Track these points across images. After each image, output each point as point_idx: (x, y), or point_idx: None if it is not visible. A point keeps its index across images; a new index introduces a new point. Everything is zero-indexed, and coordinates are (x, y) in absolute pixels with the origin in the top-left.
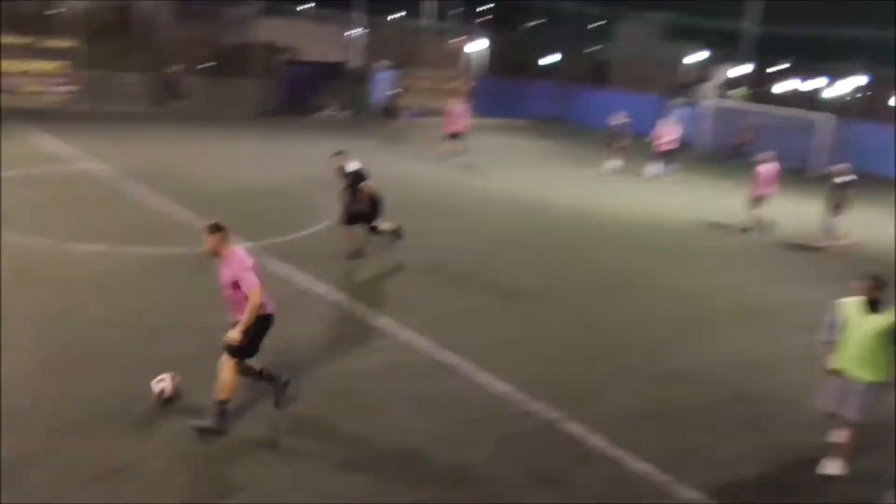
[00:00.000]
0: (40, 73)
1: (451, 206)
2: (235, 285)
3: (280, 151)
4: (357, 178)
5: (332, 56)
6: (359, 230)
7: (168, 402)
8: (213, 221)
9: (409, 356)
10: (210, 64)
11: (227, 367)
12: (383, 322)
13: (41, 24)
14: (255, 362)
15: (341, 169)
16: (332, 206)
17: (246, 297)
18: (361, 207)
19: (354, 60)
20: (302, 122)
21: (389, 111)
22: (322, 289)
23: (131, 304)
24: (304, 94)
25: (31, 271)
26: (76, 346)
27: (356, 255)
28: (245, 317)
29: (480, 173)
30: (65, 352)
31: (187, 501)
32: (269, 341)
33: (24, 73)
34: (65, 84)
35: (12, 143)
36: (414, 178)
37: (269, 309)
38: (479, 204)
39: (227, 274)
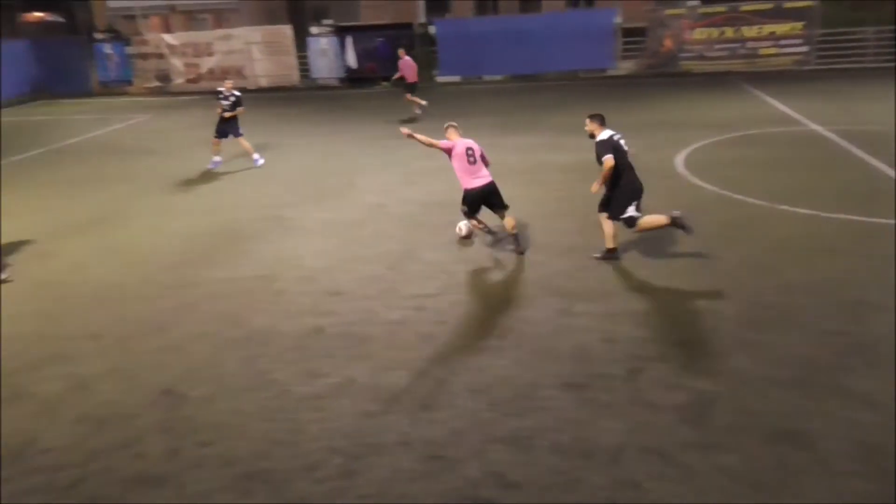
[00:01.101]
0: (776, 36)
1: None
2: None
3: None
4: (607, 149)
5: None
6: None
7: (466, 239)
8: (450, 123)
9: None
10: None
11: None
12: None
13: None
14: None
15: (592, 136)
16: None
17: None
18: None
19: None
20: None
21: None
22: None
23: (827, 272)
24: None
25: (737, 229)
26: (770, 309)
27: (608, 256)
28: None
29: None
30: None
31: None
32: None
33: (762, 37)
34: (798, 45)
35: (743, 105)
36: None
37: (467, 185)
38: None
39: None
